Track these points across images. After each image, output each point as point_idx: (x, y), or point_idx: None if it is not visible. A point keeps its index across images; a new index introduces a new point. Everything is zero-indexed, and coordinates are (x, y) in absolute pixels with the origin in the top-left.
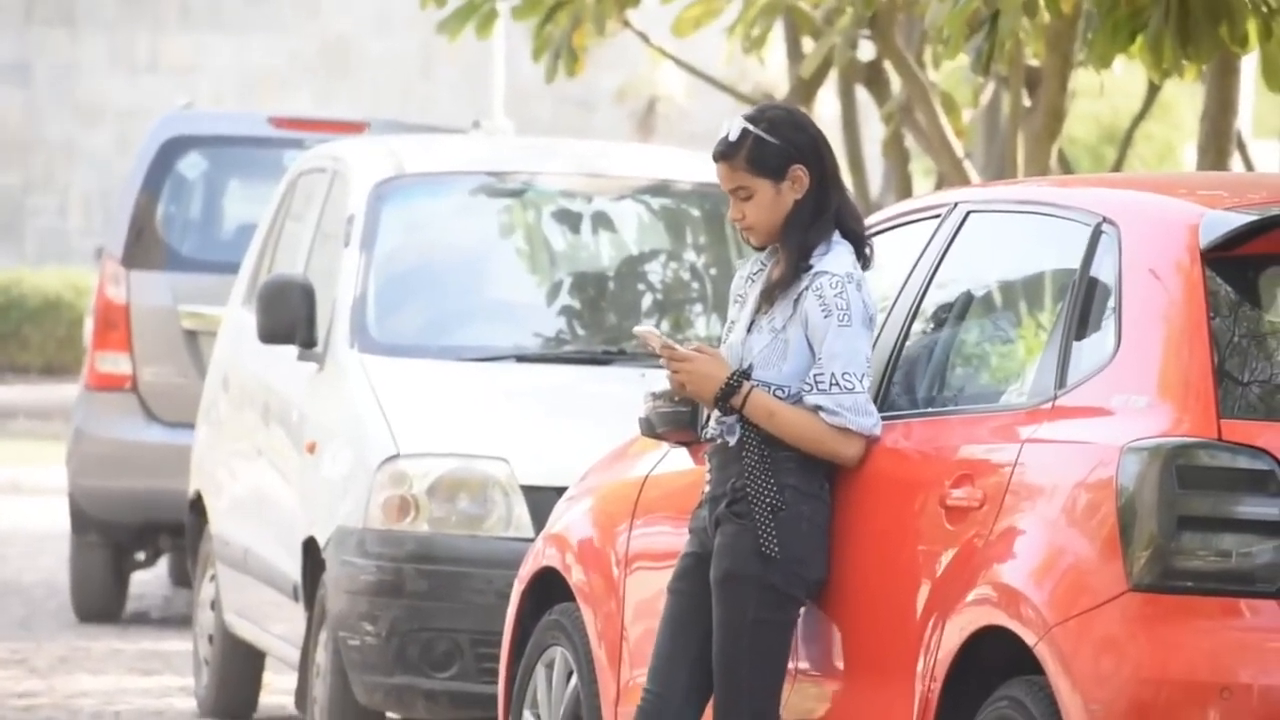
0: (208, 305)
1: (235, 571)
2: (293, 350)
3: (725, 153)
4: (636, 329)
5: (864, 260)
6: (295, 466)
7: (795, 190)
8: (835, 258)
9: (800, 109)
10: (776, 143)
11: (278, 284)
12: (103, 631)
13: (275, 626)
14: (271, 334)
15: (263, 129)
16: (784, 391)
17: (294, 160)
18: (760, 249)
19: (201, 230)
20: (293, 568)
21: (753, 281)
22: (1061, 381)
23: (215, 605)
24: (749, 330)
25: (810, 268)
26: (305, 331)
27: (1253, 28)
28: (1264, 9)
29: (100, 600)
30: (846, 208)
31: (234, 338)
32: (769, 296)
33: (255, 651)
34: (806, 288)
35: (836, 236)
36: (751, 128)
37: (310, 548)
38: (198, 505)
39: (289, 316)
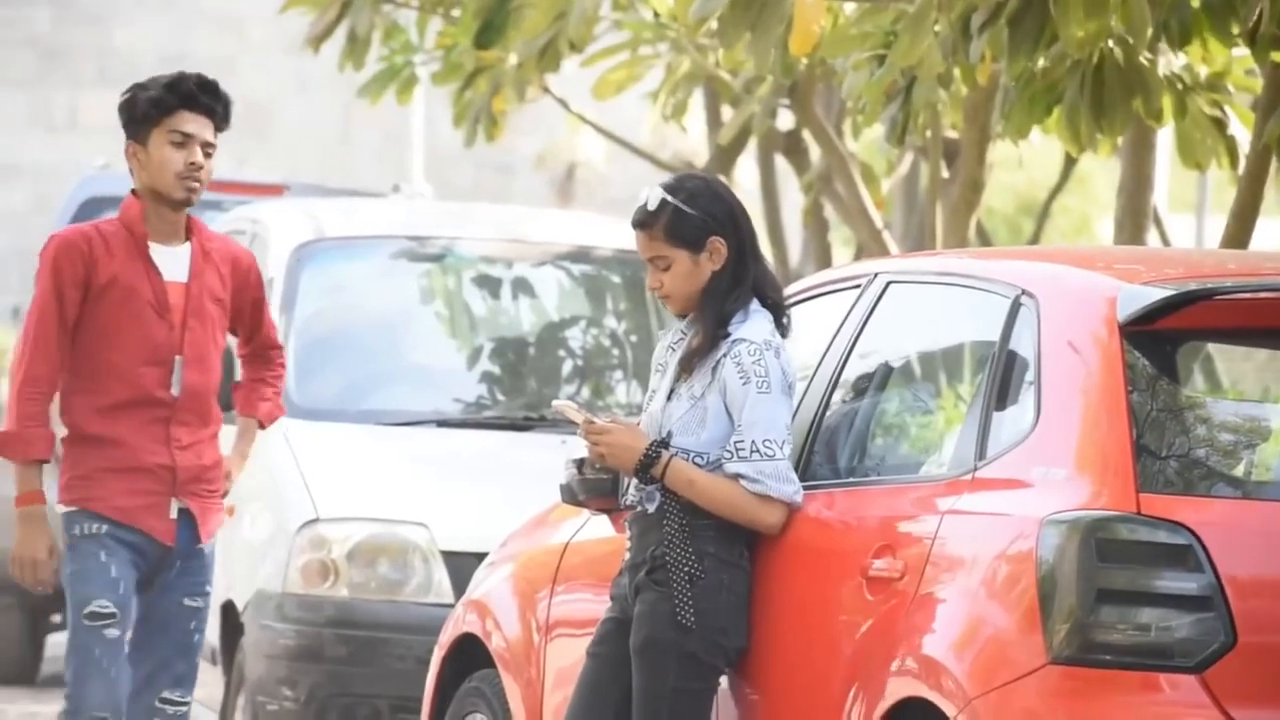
0: None
1: None
2: None
3: (643, 221)
4: (554, 403)
5: (782, 329)
6: None
7: (713, 261)
8: (753, 325)
9: (719, 178)
10: (694, 214)
11: None
12: (18, 694)
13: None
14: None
15: None
16: (703, 459)
17: (213, 222)
18: (680, 317)
19: None
20: (211, 631)
21: (673, 350)
22: (981, 453)
23: None
24: (669, 398)
25: (728, 335)
26: (224, 395)
27: (1167, 103)
28: (1179, 85)
29: (16, 663)
30: (765, 277)
31: None
32: (688, 365)
33: None
34: (725, 355)
35: (755, 305)
36: (670, 198)
37: (229, 611)
38: None
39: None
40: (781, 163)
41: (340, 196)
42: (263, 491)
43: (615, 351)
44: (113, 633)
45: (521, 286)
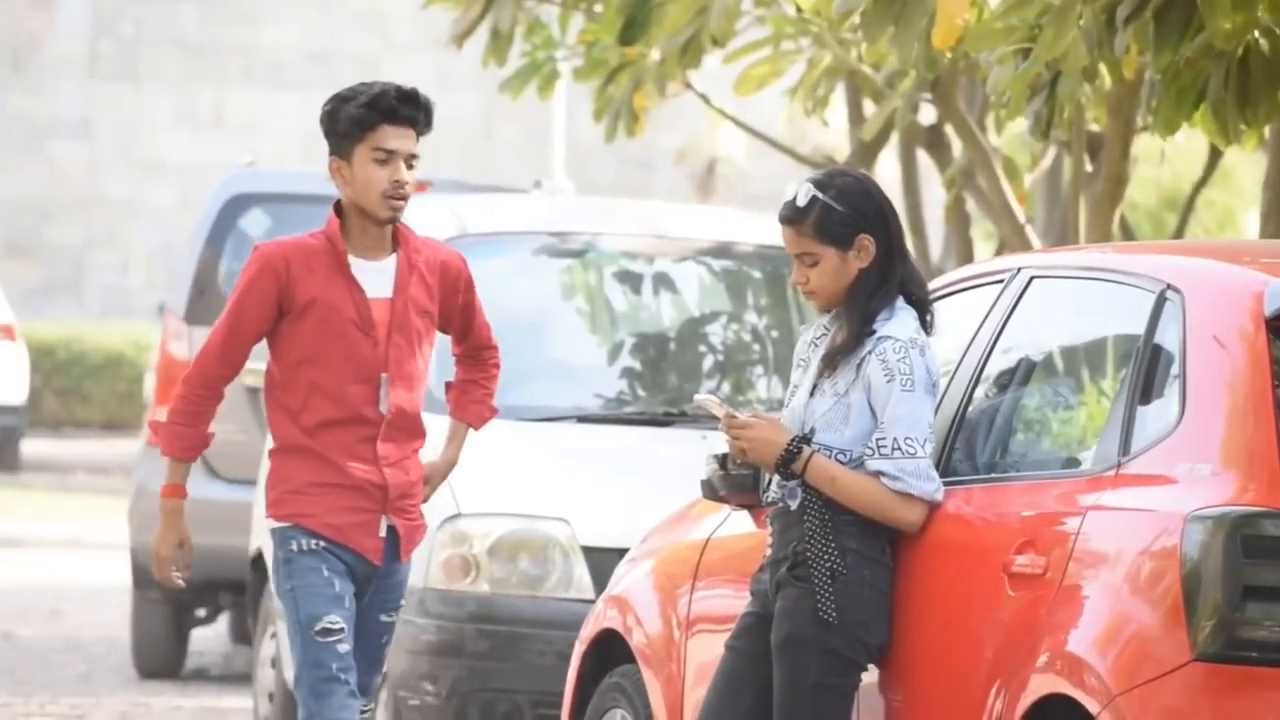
0: None
1: None
2: None
3: (791, 218)
4: (696, 397)
5: (927, 327)
6: None
7: (861, 259)
8: (899, 323)
9: (868, 175)
10: (844, 211)
11: None
12: (163, 688)
13: None
14: None
15: (325, 187)
16: (846, 456)
17: None
18: (823, 313)
19: None
20: None
21: (816, 346)
22: (1125, 449)
23: (275, 663)
24: (811, 394)
25: (874, 332)
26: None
27: None
28: None
29: (160, 657)
30: (911, 274)
31: None
32: (831, 361)
33: None
34: (870, 352)
35: (900, 302)
36: (820, 194)
37: None
38: (259, 563)
39: None
40: (923, 157)
41: (482, 192)
42: None
43: (756, 347)
44: (344, 647)
45: (663, 282)
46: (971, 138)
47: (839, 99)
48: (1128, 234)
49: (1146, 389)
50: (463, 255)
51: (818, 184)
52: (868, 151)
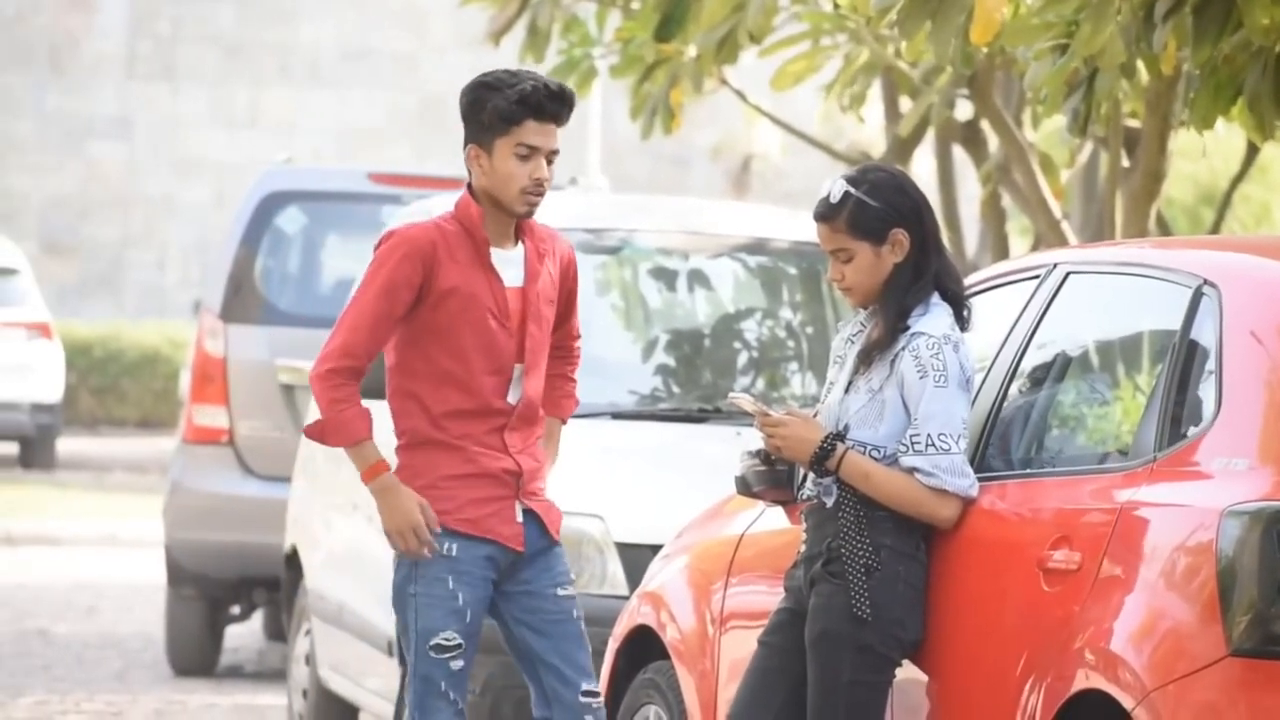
0: (305, 360)
1: (330, 626)
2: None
3: (825, 214)
4: (730, 395)
5: (962, 322)
6: None
7: (895, 254)
8: (933, 319)
9: (903, 171)
10: (878, 206)
11: None
12: (198, 685)
13: (370, 682)
14: (369, 388)
15: (362, 184)
16: (880, 452)
17: (392, 216)
18: (860, 309)
19: (299, 285)
20: (388, 623)
21: (852, 343)
22: (1161, 444)
23: (310, 660)
24: (846, 390)
25: (908, 329)
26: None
27: None
28: None
29: (195, 654)
30: (946, 270)
31: None
32: (866, 358)
33: (349, 706)
34: (903, 348)
35: (935, 298)
36: (853, 190)
37: None
38: (293, 559)
39: (384, 372)
40: (959, 153)
41: None
42: None
43: (791, 344)
44: (457, 664)
45: (698, 278)
46: (1008, 133)
47: (875, 95)
48: (1164, 229)
49: (1182, 384)
50: (571, 244)
51: (851, 180)
52: (904, 147)
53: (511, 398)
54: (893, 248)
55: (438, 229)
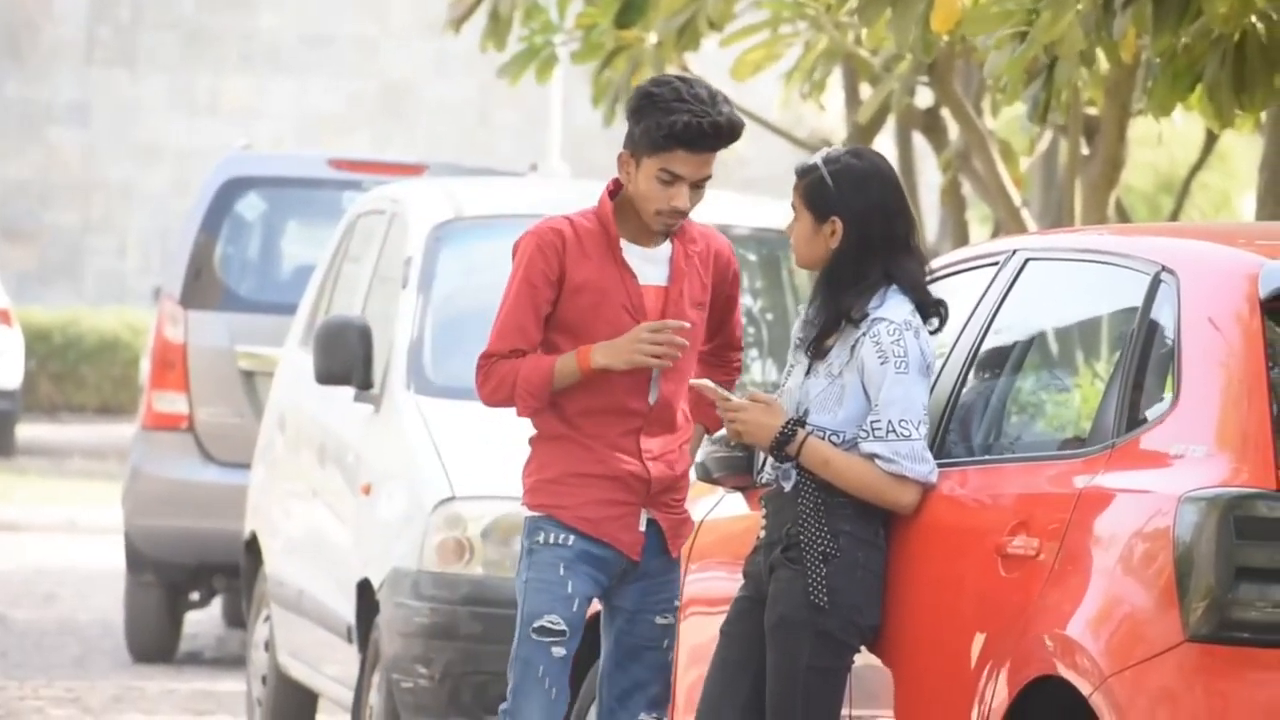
0: (265, 346)
1: (289, 612)
2: (349, 392)
3: (797, 172)
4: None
5: (934, 320)
6: (350, 508)
7: (831, 240)
8: (893, 305)
9: (889, 171)
10: (830, 189)
11: (335, 325)
12: (156, 671)
13: (328, 668)
14: (328, 375)
15: (321, 171)
16: (839, 437)
17: (352, 202)
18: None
19: (259, 271)
20: (347, 609)
21: (812, 325)
22: (1119, 430)
23: (269, 646)
24: (807, 374)
25: (867, 315)
26: (362, 373)
27: None
28: None
29: (154, 640)
30: (906, 274)
31: (291, 379)
32: (813, 347)
33: (308, 693)
34: (864, 334)
35: (894, 288)
36: (821, 165)
37: (365, 589)
38: (253, 546)
39: (346, 358)
40: (919, 141)
41: (478, 176)
42: (399, 470)
43: (751, 330)
44: (559, 651)
45: None
46: (968, 121)
47: (835, 83)
48: (1123, 217)
49: (1141, 371)
50: (732, 245)
51: (829, 156)
52: (864, 135)
53: (651, 398)
54: (830, 234)
55: (570, 224)
